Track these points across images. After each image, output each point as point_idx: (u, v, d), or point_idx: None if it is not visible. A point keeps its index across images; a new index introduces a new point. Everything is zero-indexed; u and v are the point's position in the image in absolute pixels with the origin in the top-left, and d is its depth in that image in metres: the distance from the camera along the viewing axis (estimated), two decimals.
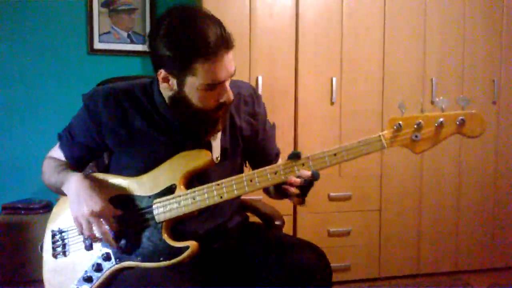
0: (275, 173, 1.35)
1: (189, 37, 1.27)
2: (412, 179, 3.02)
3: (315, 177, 1.31)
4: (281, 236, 1.54)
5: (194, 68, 1.28)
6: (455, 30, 3.01)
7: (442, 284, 2.97)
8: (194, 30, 1.27)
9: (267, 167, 1.36)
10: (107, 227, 1.35)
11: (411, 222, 3.03)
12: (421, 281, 3.01)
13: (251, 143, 1.60)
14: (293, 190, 1.33)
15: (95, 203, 1.34)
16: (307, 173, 1.32)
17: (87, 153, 1.53)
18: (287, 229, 2.72)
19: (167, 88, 1.38)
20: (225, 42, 1.29)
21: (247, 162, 1.67)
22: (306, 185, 1.33)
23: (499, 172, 3.14)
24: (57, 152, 1.56)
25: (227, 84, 1.36)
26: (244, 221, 1.68)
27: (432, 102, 2.95)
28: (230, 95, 1.37)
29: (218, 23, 1.31)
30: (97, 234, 1.36)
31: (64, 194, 1.46)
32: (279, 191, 1.42)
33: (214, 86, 1.32)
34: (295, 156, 1.35)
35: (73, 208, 1.37)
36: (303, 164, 1.35)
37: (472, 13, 3.02)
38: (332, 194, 2.89)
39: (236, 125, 1.54)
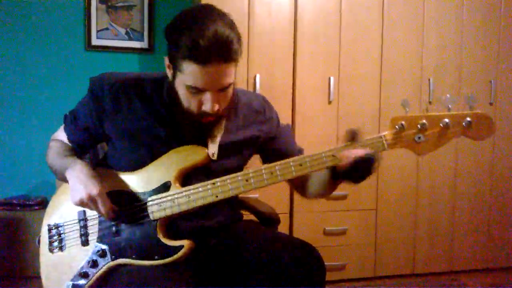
0: (271, 173, 1.34)
1: (186, 35, 1.25)
2: (408, 179, 3.02)
3: (367, 157, 1.27)
4: (275, 235, 1.54)
5: (183, 65, 1.27)
6: (453, 31, 3.02)
7: (437, 284, 2.98)
8: (194, 30, 1.24)
9: (264, 167, 1.35)
10: (103, 210, 1.34)
11: (407, 222, 3.04)
12: (416, 281, 3.01)
13: (269, 147, 1.60)
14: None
15: (92, 188, 1.33)
16: (360, 152, 1.28)
17: (88, 137, 1.52)
18: (283, 228, 2.73)
19: (169, 75, 1.39)
20: (219, 53, 1.24)
21: None
22: (360, 166, 1.29)
23: (495, 172, 3.14)
24: (62, 134, 1.56)
25: (214, 95, 1.31)
26: (239, 219, 1.68)
27: (430, 102, 2.95)
28: (213, 106, 1.31)
29: (229, 32, 1.27)
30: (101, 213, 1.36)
31: (63, 179, 1.46)
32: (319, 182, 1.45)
33: (196, 90, 1.30)
34: (352, 135, 1.31)
35: (73, 193, 1.36)
36: (300, 165, 1.34)
37: (470, 14, 3.03)
38: None
39: (243, 132, 1.52)
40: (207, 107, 1.32)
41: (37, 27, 3.10)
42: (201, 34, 1.23)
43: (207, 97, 1.31)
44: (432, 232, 3.08)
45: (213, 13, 1.30)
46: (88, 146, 1.59)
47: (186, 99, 1.34)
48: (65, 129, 1.55)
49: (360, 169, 1.31)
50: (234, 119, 1.51)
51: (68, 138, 1.54)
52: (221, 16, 1.30)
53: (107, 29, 3.18)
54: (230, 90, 1.37)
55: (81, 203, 1.34)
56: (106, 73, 1.50)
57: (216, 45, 1.23)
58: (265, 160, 1.65)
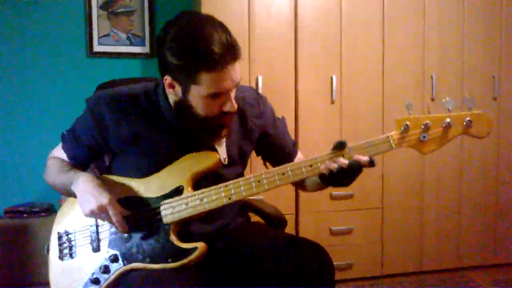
0: (283, 174, 1.35)
1: (195, 47, 1.26)
2: (413, 177, 3.02)
3: (372, 163, 1.31)
4: (283, 235, 1.55)
5: (199, 78, 1.29)
6: (455, 27, 3.01)
7: (445, 281, 2.97)
8: (201, 39, 1.26)
9: (275, 168, 1.36)
10: (114, 218, 1.34)
11: (413, 220, 3.03)
12: (424, 279, 3.01)
13: (264, 141, 1.62)
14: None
15: (102, 198, 1.34)
16: (364, 158, 1.31)
17: (90, 154, 1.54)
18: (289, 229, 2.72)
19: (172, 94, 1.39)
20: (231, 53, 1.29)
21: (266, 163, 1.68)
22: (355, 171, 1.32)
23: (500, 168, 3.14)
24: (60, 152, 1.57)
25: (232, 93, 1.36)
26: (246, 221, 1.69)
27: (433, 99, 2.95)
28: (234, 104, 1.37)
29: (226, 32, 1.30)
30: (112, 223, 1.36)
31: (68, 194, 1.47)
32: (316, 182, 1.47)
33: (217, 95, 1.32)
34: (340, 145, 1.33)
35: (82, 206, 1.37)
36: (311, 165, 1.34)
37: (471, 9, 3.02)
38: (334, 193, 2.89)
39: (243, 129, 1.55)
40: (228, 107, 1.36)
41: (39, 34, 3.10)
42: (211, 42, 1.26)
43: (228, 97, 1.35)
44: (439, 229, 3.07)
45: (203, 18, 1.33)
46: (90, 162, 1.60)
47: (205, 108, 1.35)
48: (64, 148, 1.56)
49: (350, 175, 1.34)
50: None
51: (69, 156, 1.55)
52: (210, 18, 1.33)
53: (108, 35, 3.19)
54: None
55: (93, 214, 1.35)
56: (100, 92, 1.53)
57: (226, 47, 1.28)
58: (260, 154, 1.68)
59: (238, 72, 1.34)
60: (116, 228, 1.36)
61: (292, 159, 1.66)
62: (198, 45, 1.26)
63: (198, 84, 1.30)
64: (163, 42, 1.32)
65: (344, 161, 1.30)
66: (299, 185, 1.66)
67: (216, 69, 1.27)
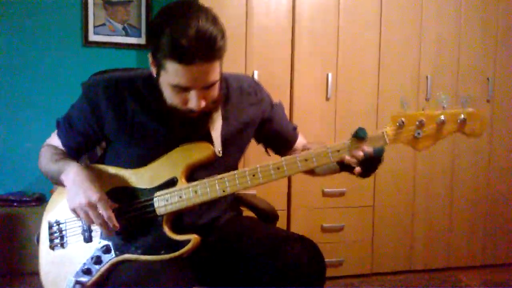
0: (278, 169, 1.34)
1: (169, 35, 1.22)
2: (405, 176, 3.03)
3: (376, 153, 1.32)
4: (275, 230, 1.54)
5: (166, 64, 1.26)
6: (451, 28, 3.02)
7: (434, 280, 2.98)
8: (178, 29, 1.21)
9: (270, 162, 1.35)
10: (105, 215, 1.31)
11: (404, 218, 3.05)
12: (413, 278, 3.02)
13: (264, 127, 1.61)
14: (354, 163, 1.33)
15: (92, 193, 1.31)
16: (368, 149, 1.32)
17: (84, 141, 1.51)
18: (281, 224, 2.71)
19: (153, 73, 1.37)
20: (201, 52, 1.22)
21: (268, 149, 1.68)
22: (370, 161, 1.33)
23: (492, 169, 3.16)
24: (55, 140, 1.54)
25: (199, 92, 1.30)
26: (238, 215, 1.68)
27: (427, 99, 2.96)
28: (199, 104, 1.30)
29: (213, 30, 1.23)
30: (96, 224, 1.33)
31: (59, 183, 1.44)
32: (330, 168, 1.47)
33: (180, 88, 1.29)
34: (360, 136, 1.33)
35: (70, 198, 1.35)
36: (306, 160, 1.34)
37: (468, 11, 3.03)
38: (326, 190, 2.89)
39: (240, 120, 1.54)
40: (192, 104, 1.31)
41: (34, 23, 3.08)
42: (184, 33, 1.20)
43: (192, 95, 1.30)
44: (429, 228, 3.09)
45: (194, 8, 1.27)
46: (85, 150, 1.58)
47: (170, 97, 1.33)
48: (59, 135, 1.53)
49: (369, 165, 1.35)
50: (229, 106, 1.51)
51: (64, 144, 1.52)
52: (203, 11, 1.26)
53: (104, 24, 3.17)
54: (216, 86, 1.36)
55: (80, 210, 1.32)
56: (96, 77, 1.50)
57: (199, 44, 1.21)
58: (261, 141, 1.67)
59: (210, 74, 1.28)
60: (105, 226, 1.32)
61: (293, 144, 1.67)
62: (173, 34, 1.21)
63: (165, 71, 1.28)
64: (152, 21, 1.31)
65: (361, 154, 1.32)
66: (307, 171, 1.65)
67: (181, 63, 1.23)
